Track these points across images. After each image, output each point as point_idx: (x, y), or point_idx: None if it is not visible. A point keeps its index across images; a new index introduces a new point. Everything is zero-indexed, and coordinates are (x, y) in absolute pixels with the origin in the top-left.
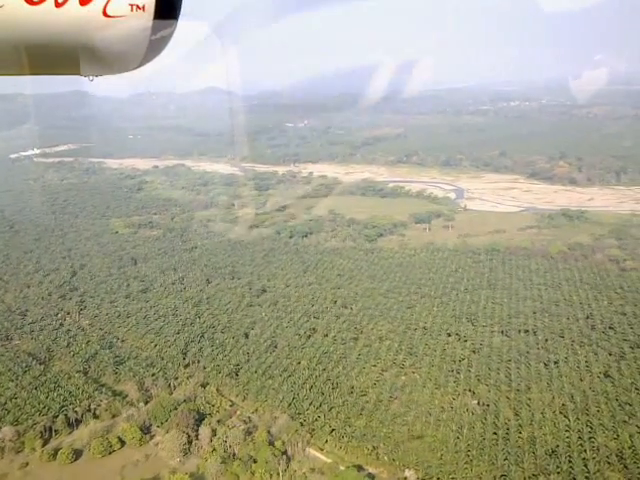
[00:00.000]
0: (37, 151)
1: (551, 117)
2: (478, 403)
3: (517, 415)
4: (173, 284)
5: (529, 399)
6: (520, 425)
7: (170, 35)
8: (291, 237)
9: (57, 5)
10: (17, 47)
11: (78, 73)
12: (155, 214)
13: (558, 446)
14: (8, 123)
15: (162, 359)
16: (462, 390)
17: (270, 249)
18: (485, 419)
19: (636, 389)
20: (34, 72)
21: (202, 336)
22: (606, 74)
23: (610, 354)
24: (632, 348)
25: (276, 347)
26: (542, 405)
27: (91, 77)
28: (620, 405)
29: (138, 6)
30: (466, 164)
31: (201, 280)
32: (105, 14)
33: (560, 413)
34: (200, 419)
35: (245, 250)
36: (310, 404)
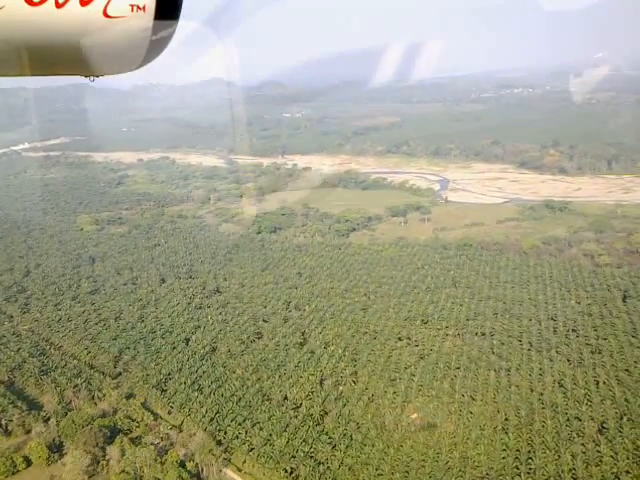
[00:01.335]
0: (27, 145)
1: (552, 104)
2: (414, 417)
3: (454, 431)
4: (125, 285)
5: (470, 412)
6: (454, 443)
7: (171, 35)
8: (259, 233)
9: (58, 6)
10: (18, 48)
11: (79, 73)
12: (127, 209)
13: (491, 468)
14: (7, 117)
15: (91, 368)
16: (400, 402)
17: (234, 246)
18: (418, 436)
19: (589, 401)
20: (35, 73)
21: (139, 342)
22: (612, 60)
23: (568, 360)
24: (592, 353)
25: (214, 354)
26: (483, 419)
27: (92, 77)
28: (568, 420)
29: (139, 7)
30: (456, 153)
31: (155, 280)
32: (106, 15)
33: (501, 429)
34: (113, 436)
35: (208, 247)
36: (233, 419)
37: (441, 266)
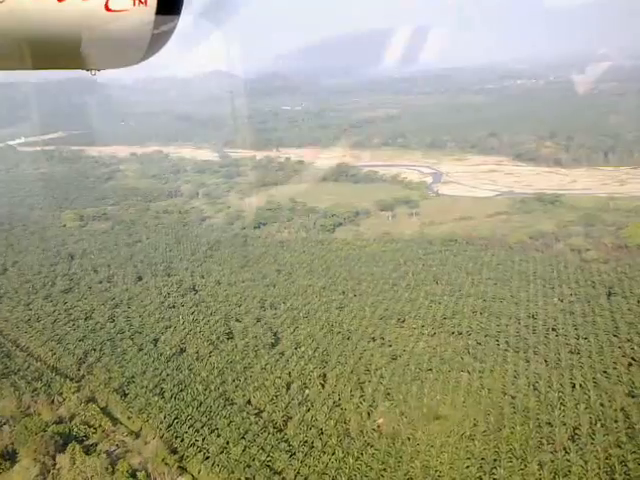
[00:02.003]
0: (23, 140)
1: (554, 94)
2: (380, 422)
3: (418, 438)
4: (100, 283)
5: (437, 418)
6: (417, 451)
7: (172, 29)
8: (243, 228)
9: None
10: (19, 42)
11: (80, 67)
12: (113, 205)
13: (453, 478)
14: (7, 111)
15: (54, 370)
16: (366, 407)
17: (215, 242)
18: (379, 444)
19: (562, 405)
20: (36, 67)
21: (106, 343)
22: (616, 51)
23: (545, 361)
24: (571, 354)
25: (181, 355)
26: (450, 425)
27: (93, 71)
28: (539, 426)
29: (140, 0)
30: (452, 146)
31: (131, 278)
32: (107, 8)
33: (468, 437)
34: (68, 443)
35: (189, 243)
36: (191, 426)
37: (423, 262)
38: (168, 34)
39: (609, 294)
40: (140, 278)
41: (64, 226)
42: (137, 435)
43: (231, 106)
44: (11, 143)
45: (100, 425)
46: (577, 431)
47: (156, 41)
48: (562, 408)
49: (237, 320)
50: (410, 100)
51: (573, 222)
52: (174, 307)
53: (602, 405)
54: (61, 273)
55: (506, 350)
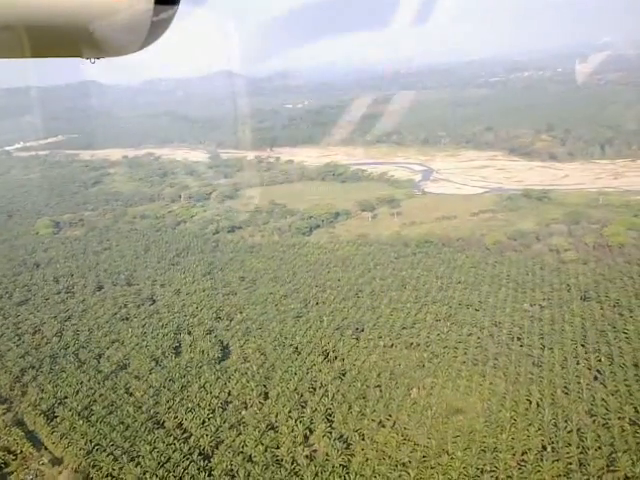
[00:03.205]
0: (21, 145)
1: (560, 86)
2: (312, 450)
3: (349, 466)
4: (58, 294)
5: (373, 442)
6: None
7: (171, 18)
8: (215, 233)
9: None
10: (18, 29)
11: (79, 55)
12: (92, 210)
13: None
14: (11, 116)
15: None
16: (301, 430)
17: (185, 247)
18: (307, 473)
19: (513, 426)
20: (35, 55)
21: (46, 360)
22: (625, 40)
23: (504, 375)
24: (533, 366)
25: (120, 373)
26: (386, 451)
27: (92, 60)
28: (483, 451)
29: None
30: (446, 141)
31: (90, 288)
32: None
33: (404, 463)
34: None
35: (157, 250)
36: (111, 453)
37: (394, 266)
38: (167, 22)
39: (583, 298)
40: (100, 288)
41: (37, 234)
42: (58, 462)
43: (233, 106)
44: (8, 148)
45: (21, 451)
46: (524, 456)
47: (155, 29)
48: (512, 430)
49: (188, 332)
50: (412, 95)
51: (557, 220)
52: (127, 319)
53: (556, 426)
54: (21, 284)
55: (463, 363)
